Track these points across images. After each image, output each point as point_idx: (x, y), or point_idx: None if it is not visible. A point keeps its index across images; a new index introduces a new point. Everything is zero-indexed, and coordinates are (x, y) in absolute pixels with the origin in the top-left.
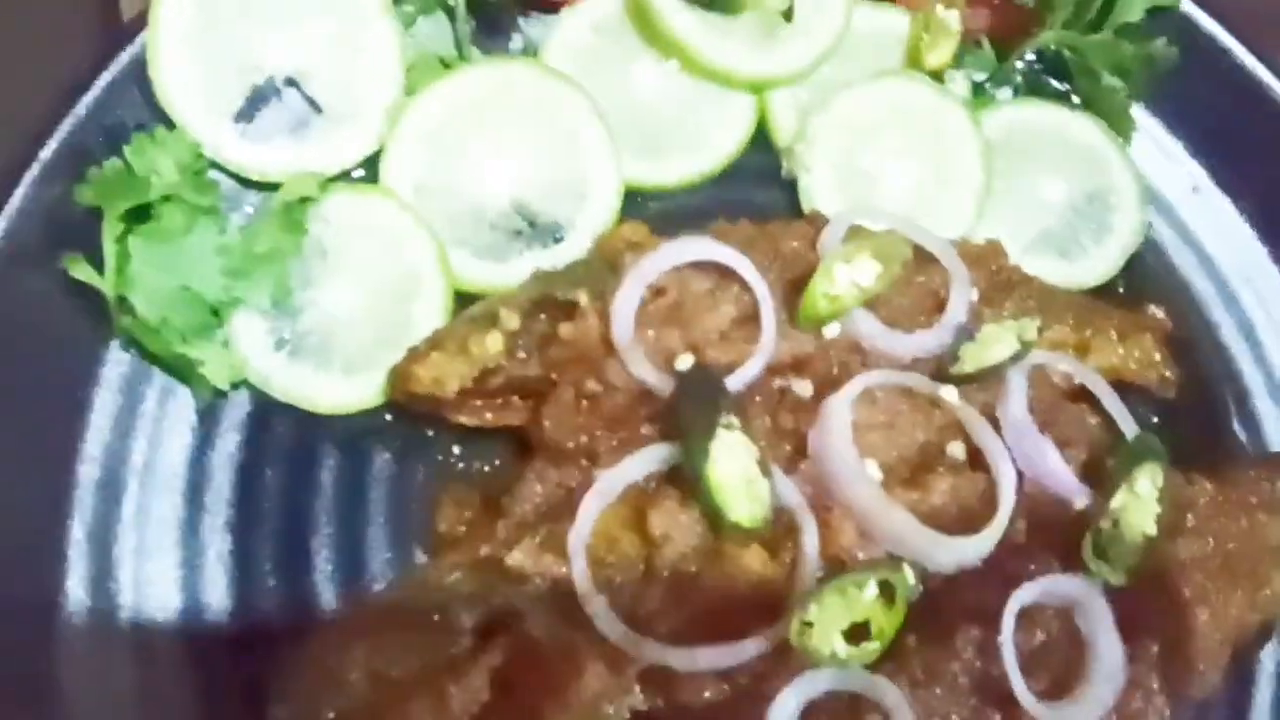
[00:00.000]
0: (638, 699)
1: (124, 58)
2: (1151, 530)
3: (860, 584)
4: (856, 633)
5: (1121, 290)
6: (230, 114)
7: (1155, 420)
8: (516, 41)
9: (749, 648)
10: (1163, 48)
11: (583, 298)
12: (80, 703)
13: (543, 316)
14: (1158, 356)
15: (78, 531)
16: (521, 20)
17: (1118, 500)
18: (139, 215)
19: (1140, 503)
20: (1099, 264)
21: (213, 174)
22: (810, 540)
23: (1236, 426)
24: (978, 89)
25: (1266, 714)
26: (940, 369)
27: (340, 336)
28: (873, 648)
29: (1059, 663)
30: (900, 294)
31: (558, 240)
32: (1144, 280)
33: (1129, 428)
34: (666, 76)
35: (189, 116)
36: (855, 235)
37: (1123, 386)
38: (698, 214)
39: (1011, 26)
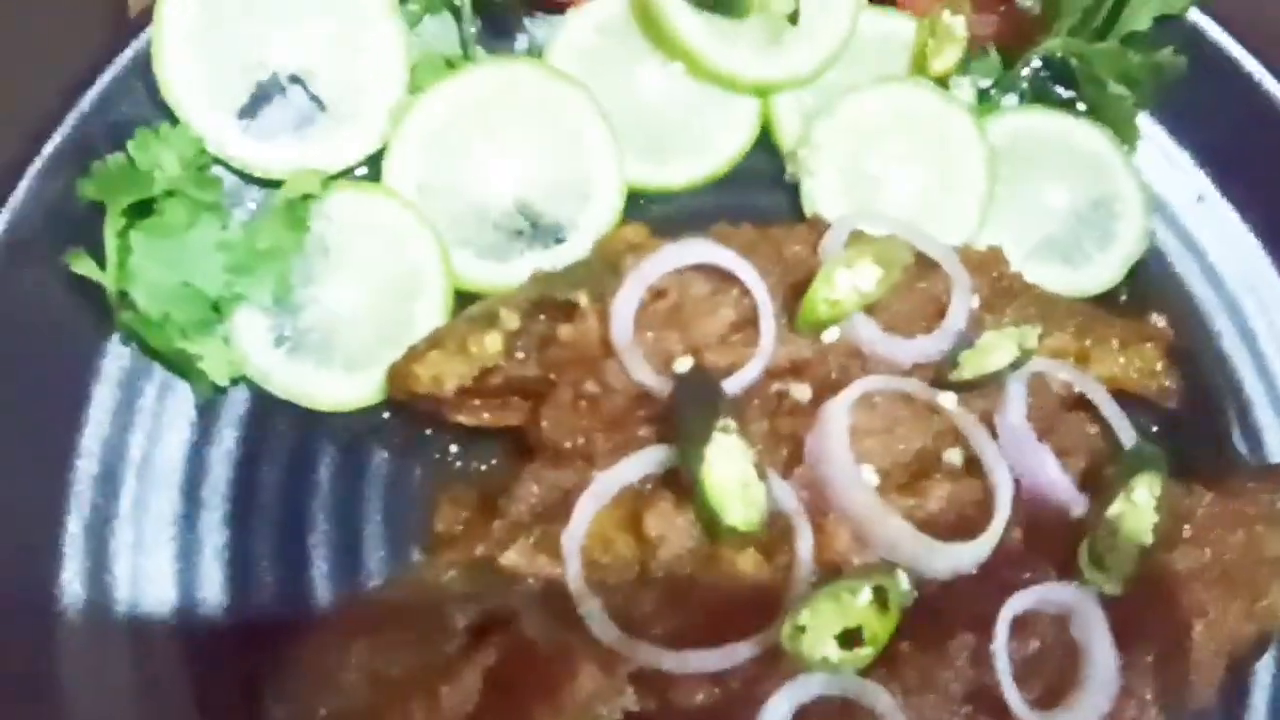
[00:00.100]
0: (630, 700)
1: (129, 53)
2: (1148, 540)
3: (854, 589)
4: (849, 638)
5: (1124, 298)
6: (234, 110)
7: (1156, 430)
8: (521, 42)
9: (742, 651)
10: (1170, 56)
11: (583, 299)
12: (76, 697)
13: (542, 317)
14: (1159, 366)
15: (75, 526)
16: (527, 20)
17: (1115, 509)
18: (141, 210)
19: (1138, 512)
20: (1102, 271)
21: (215, 170)
22: (805, 545)
23: (1237, 437)
24: (983, 95)
25: None
26: (940, 375)
27: (341, 334)
28: (865, 653)
29: (1053, 671)
30: (901, 299)
31: (559, 241)
32: (1147, 288)
33: (1128, 437)
34: (671, 78)
35: (193, 112)
36: (857, 240)
37: (1123, 396)
38: (700, 216)
39: (1018, 33)
